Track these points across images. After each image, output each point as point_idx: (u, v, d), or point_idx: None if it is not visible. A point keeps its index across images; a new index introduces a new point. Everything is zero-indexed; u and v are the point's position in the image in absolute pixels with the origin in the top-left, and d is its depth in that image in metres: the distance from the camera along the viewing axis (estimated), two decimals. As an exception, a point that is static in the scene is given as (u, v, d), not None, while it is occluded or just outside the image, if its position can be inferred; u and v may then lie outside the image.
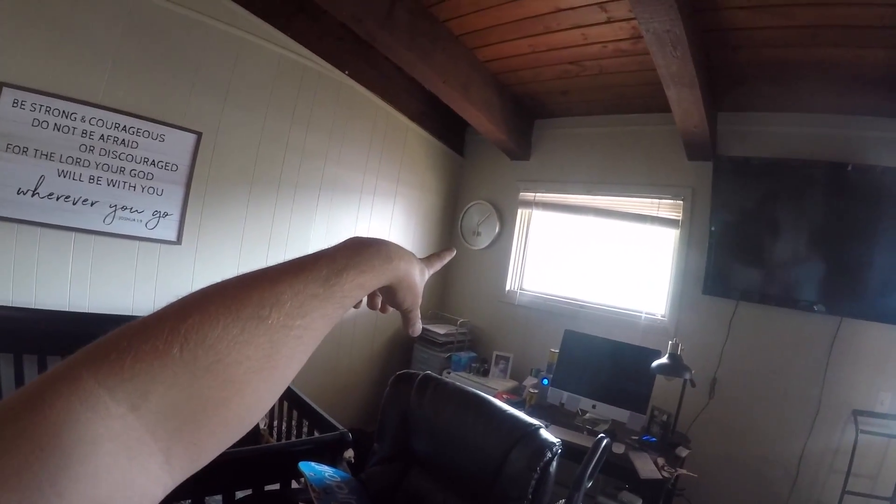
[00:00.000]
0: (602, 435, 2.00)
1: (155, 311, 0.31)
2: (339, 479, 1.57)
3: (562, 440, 1.63)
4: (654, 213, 3.03)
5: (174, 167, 2.35)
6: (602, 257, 3.11)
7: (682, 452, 2.50)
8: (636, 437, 2.53)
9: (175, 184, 2.37)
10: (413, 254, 0.49)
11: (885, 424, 2.61)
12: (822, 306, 2.65)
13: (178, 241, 2.43)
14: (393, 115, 3.35)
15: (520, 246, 3.51)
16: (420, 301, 0.52)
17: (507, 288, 3.46)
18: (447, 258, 0.60)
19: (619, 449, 2.51)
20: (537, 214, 3.50)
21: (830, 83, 2.41)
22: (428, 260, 0.56)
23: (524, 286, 3.43)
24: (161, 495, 0.29)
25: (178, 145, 2.35)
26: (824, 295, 2.67)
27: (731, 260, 2.72)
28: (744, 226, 2.72)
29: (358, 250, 0.42)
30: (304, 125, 2.84)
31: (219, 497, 1.53)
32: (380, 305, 0.53)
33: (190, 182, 2.41)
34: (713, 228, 2.76)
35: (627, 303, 2.93)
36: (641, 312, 2.84)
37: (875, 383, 2.68)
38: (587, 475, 1.81)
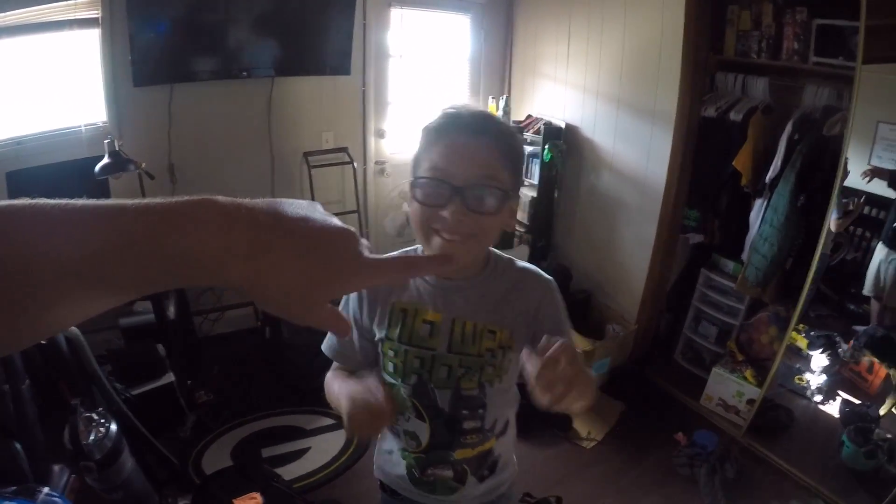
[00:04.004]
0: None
1: None
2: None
3: None
4: (71, 17, 2.69)
5: None
6: (27, 80, 2.67)
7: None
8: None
9: None
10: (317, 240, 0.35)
11: (333, 157, 3.31)
12: (251, 71, 2.95)
13: None
14: None
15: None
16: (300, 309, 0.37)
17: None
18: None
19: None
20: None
21: None
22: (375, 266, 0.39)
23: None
24: None
25: None
26: (252, 60, 2.95)
27: (155, 45, 2.66)
28: (163, 7, 2.65)
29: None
30: None
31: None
32: None
33: None
34: (132, 15, 2.60)
35: (67, 121, 2.68)
36: (81, 126, 2.66)
37: (316, 127, 3.29)
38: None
